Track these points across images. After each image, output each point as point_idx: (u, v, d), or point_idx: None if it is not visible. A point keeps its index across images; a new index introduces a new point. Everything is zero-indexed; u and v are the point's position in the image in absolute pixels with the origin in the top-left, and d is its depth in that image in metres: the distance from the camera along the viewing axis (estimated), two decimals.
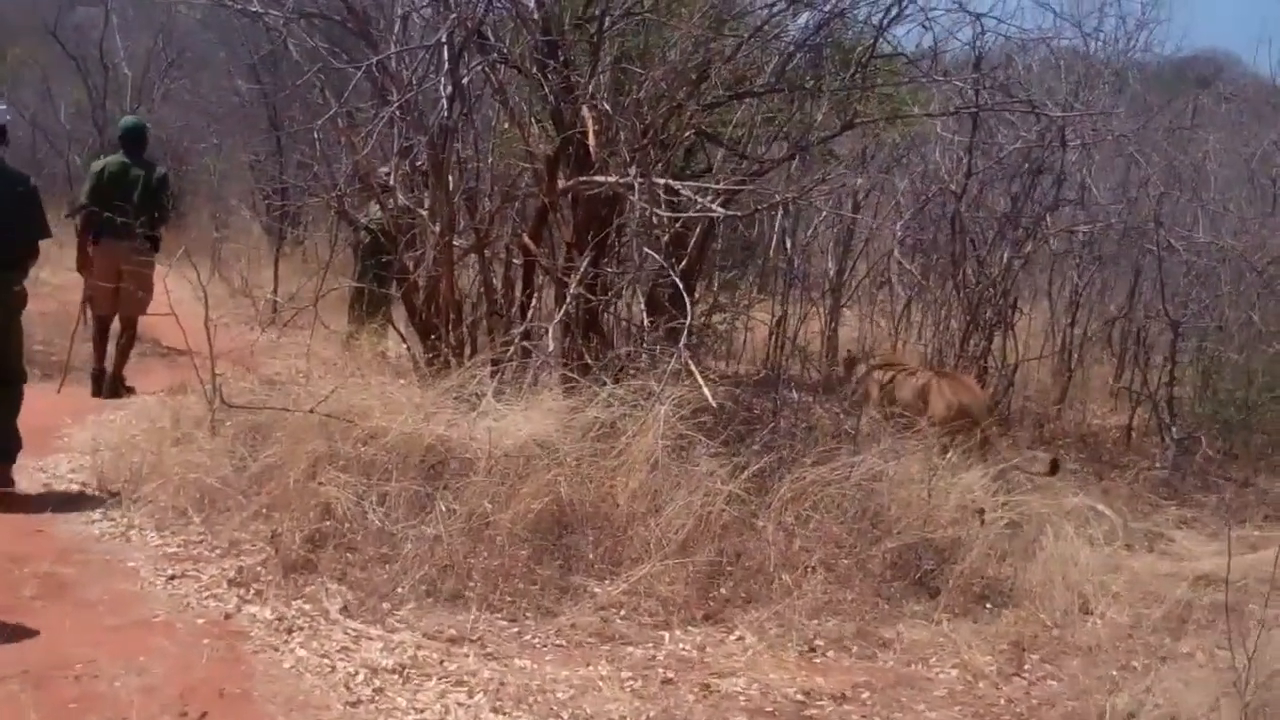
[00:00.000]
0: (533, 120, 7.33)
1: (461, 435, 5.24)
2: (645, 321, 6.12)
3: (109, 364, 8.14)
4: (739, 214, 6.97)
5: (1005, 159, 8.14)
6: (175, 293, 7.09)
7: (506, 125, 7.88)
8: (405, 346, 7.24)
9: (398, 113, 6.81)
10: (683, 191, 5.98)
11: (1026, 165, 8.21)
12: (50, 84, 11.47)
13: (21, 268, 5.55)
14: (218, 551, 4.78)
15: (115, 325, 8.24)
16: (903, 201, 9.22)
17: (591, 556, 4.89)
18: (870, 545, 5.08)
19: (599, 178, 6.34)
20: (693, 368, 5.39)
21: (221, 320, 10.36)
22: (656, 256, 6.06)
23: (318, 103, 12.24)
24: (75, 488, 5.55)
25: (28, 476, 5.71)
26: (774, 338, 9.93)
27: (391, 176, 7.19)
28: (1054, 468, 6.53)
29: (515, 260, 7.08)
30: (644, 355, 5.86)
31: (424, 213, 7.09)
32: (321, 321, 8.00)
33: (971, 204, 8.31)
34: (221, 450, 5.28)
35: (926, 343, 8.90)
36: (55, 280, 11.33)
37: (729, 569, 4.92)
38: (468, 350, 6.87)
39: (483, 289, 6.98)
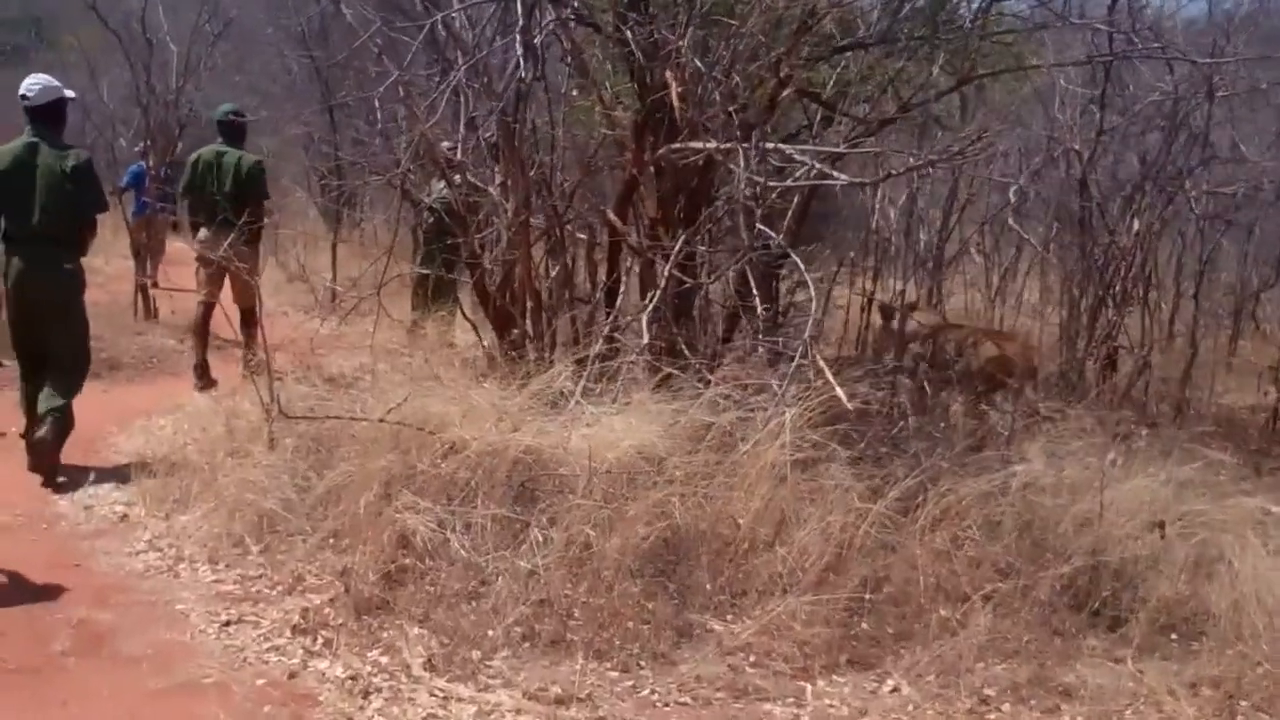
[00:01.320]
0: (607, 84, 6.59)
1: (554, 446, 4.53)
2: (758, 308, 5.35)
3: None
4: (866, 181, 6.16)
5: (1139, 114, 7.24)
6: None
7: (576, 91, 7.15)
8: (478, 339, 6.53)
9: (463, 79, 6.10)
10: (797, 157, 5.21)
11: (1163, 121, 7.31)
12: (92, 63, 10.88)
13: (74, 245, 5.41)
14: (279, 588, 4.12)
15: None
16: (1014, 162, 8.33)
17: (710, 587, 4.17)
18: (1037, 570, 4.31)
19: (696, 144, 5.58)
20: (821, 363, 4.63)
21: (279, 309, 9.80)
22: (770, 232, 5.28)
23: (372, 74, 11.63)
24: (119, 508, 4.93)
25: (66, 495, 5.12)
26: (865, 314, 9.12)
27: (458, 150, 6.47)
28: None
29: (598, 241, 6.35)
30: (754, 346, 5.09)
31: (494, 190, 6.39)
32: (385, 311, 7.35)
33: (1098, 165, 7.42)
34: (282, 467, 4.63)
35: (1047, 318, 8.05)
36: (108, 269, 10.81)
37: (872, 602, 4.18)
38: (547, 342, 6.18)
39: (562, 273, 6.26)
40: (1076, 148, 7.56)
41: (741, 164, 5.25)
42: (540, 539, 4.06)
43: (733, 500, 4.30)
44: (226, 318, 7.44)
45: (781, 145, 5.16)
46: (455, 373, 7.30)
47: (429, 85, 8.07)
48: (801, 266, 5.07)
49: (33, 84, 5.45)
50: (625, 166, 5.94)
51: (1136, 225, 7.56)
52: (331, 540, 4.21)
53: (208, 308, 7.68)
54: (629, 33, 5.75)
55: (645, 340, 5.39)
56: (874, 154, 6.33)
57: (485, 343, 6.45)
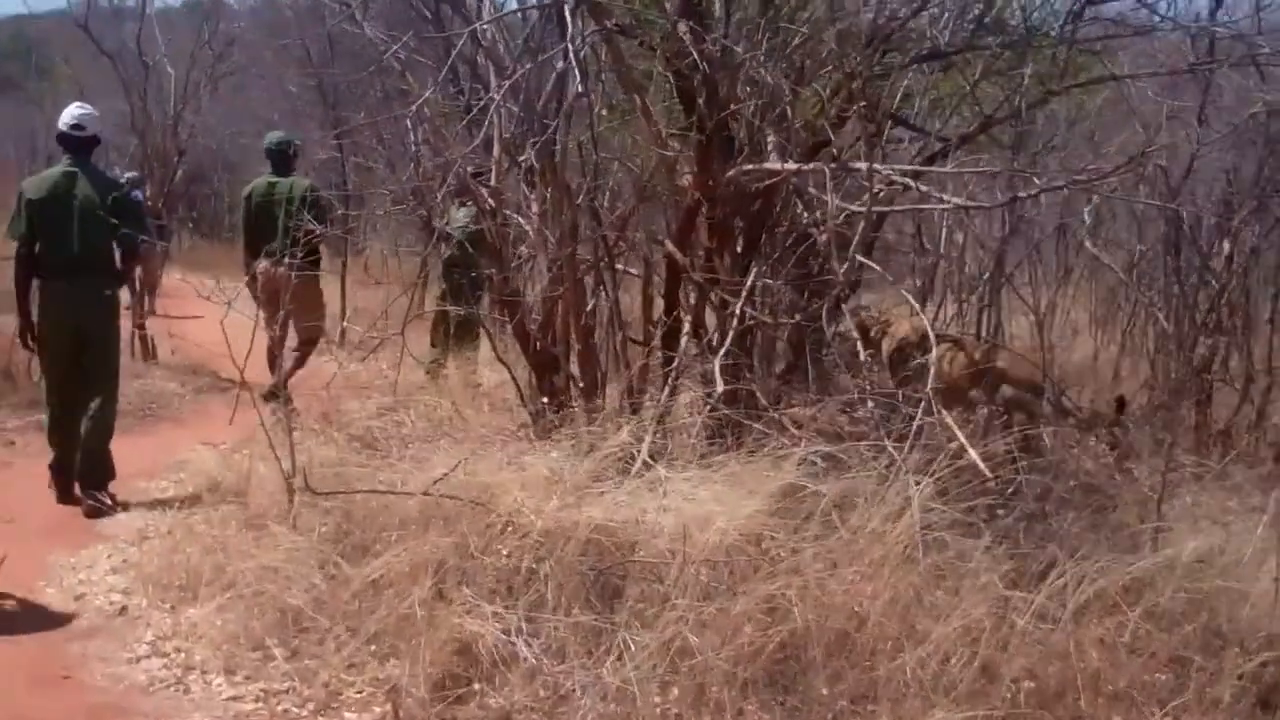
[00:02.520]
0: (652, 102, 5.91)
1: (632, 522, 3.82)
2: (860, 352, 4.67)
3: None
4: (988, 205, 5.48)
5: (1237, 127, 6.58)
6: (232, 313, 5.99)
7: (606, 110, 6.50)
8: (516, 389, 5.82)
9: (496, 96, 5.44)
10: (897, 179, 4.53)
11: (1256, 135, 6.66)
12: (85, 91, 10.20)
13: (112, 274, 5.45)
14: (310, 706, 3.40)
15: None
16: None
17: (826, 692, 3.45)
18: (1216, 664, 3.61)
19: (771, 164, 4.91)
20: (948, 419, 3.93)
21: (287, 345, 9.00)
22: (871, 265, 4.62)
23: (379, 95, 10.95)
24: (116, 598, 4.20)
25: (57, 580, 4.40)
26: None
27: (492, 175, 5.79)
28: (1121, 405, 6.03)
29: (654, 275, 5.64)
30: (860, 397, 4.40)
31: (533, 218, 5.72)
32: (411, 354, 6.67)
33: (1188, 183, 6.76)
34: (308, 550, 3.91)
35: (1131, 351, 7.37)
36: None
37: (1027, 708, 3.47)
38: (599, 391, 5.48)
39: (612, 312, 5.57)
40: (1162, 164, 6.88)
41: (829, 186, 4.56)
42: (628, 644, 3.35)
43: (853, 589, 3.59)
44: (232, 357, 6.74)
45: (880, 166, 4.46)
46: (487, 417, 6.64)
47: (453, 105, 7.46)
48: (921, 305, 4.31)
49: (84, 115, 5.45)
50: (684, 192, 5.24)
51: (1228, 248, 6.91)
52: (373, 646, 3.50)
53: (271, 345, 7.31)
54: (688, 44, 5.08)
55: (719, 389, 4.69)
56: (950, 174, 5.65)
57: (524, 392, 5.74)
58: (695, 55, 5.00)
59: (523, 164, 6.05)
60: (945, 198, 4.62)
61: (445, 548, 3.67)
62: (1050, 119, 7.86)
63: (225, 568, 4.05)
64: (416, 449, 5.24)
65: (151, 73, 9.06)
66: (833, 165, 4.67)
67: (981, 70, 6.08)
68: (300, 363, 7.62)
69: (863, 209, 4.73)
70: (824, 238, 6.34)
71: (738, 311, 4.97)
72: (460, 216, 7.71)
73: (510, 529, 3.73)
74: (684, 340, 5.14)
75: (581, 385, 5.44)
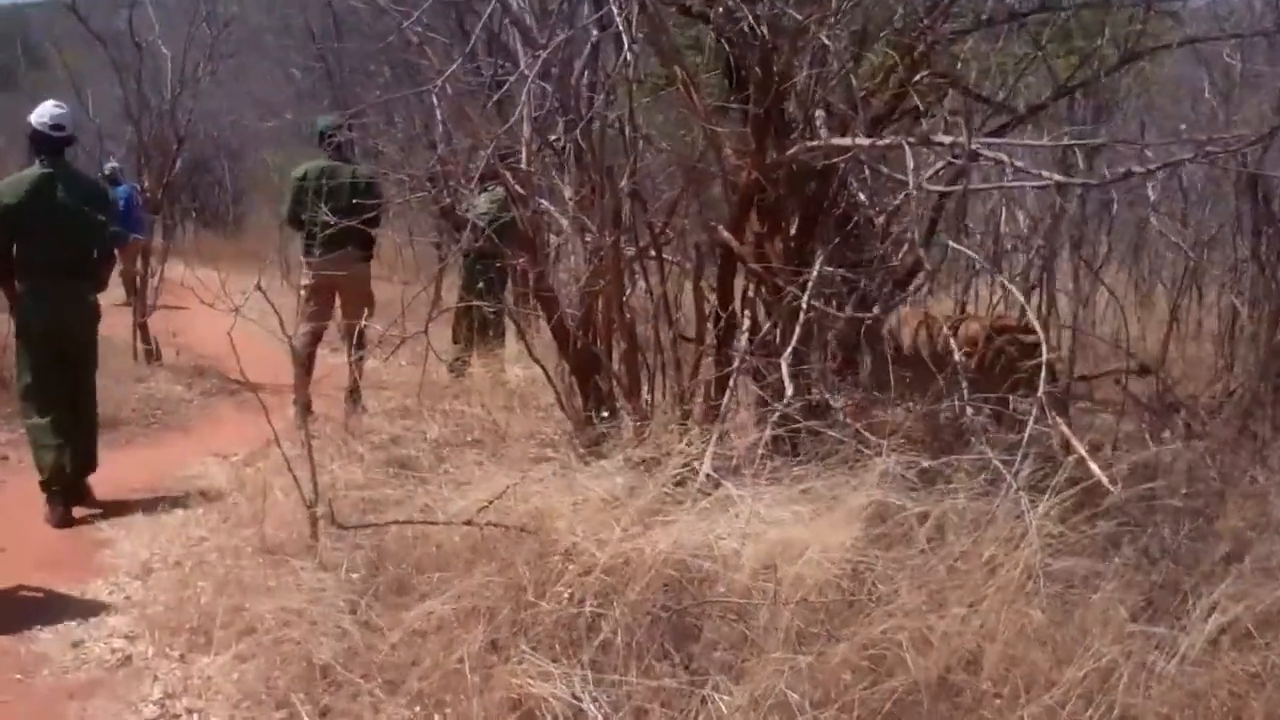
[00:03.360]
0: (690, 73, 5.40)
1: (705, 549, 3.34)
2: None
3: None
4: (1095, 183, 4.97)
5: None
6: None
7: (637, 80, 5.99)
8: (555, 393, 5.32)
9: (527, 72, 4.95)
10: (986, 154, 4.02)
11: None
12: (77, 79, 9.67)
13: (96, 279, 5.37)
14: None
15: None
16: (1152, 156, 7.12)
17: None
18: None
19: (841, 140, 4.41)
20: (1066, 431, 3.43)
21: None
22: (968, 250, 4.10)
23: (387, 78, 10.41)
24: (119, 645, 3.72)
25: (53, 622, 3.93)
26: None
27: (522, 157, 5.29)
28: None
29: (705, 265, 5.14)
30: (958, 403, 3.91)
31: (569, 205, 5.23)
32: (435, 354, 6.21)
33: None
34: (336, 590, 3.43)
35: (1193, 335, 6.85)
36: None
37: None
38: (646, 394, 5.00)
39: (661, 307, 5.07)
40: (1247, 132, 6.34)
41: (910, 163, 4.04)
42: (714, 702, 2.86)
43: (966, 630, 3.10)
44: (236, 358, 6.26)
45: (989, 139, 3.94)
46: (520, 421, 6.18)
47: (476, 82, 6.96)
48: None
49: (62, 115, 5.21)
50: (739, 172, 4.73)
51: None
52: (416, 707, 3.02)
53: (315, 335, 7.06)
54: (741, 7, 4.56)
55: (789, 394, 4.19)
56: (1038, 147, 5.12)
57: (563, 396, 5.25)
58: (751, 20, 4.50)
59: (555, 145, 5.59)
60: (1044, 174, 4.08)
61: (496, 589, 3.19)
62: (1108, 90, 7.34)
63: (242, 609, 3.57)
64: (452, 464, 4.77)
65: (146, 55, 8.49)
66: (911, 139, 4.16)
67: (1053, 34, 5.60)
68: (360, 366, 7.14)
69: (943, 188, 4.24)
70: (881, 219, 5.92)
71: (804, 304, 4.48)
72: (482, 203, 7.23)
73: (569, 564, 3.24)
74: (742, 338, 4.64)
75: (626, 388, 4.96)
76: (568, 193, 5.42)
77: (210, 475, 5.35)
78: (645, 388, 5.00)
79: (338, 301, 7.16)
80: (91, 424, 5.38)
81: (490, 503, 3.40)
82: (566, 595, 3.16)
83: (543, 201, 5.41)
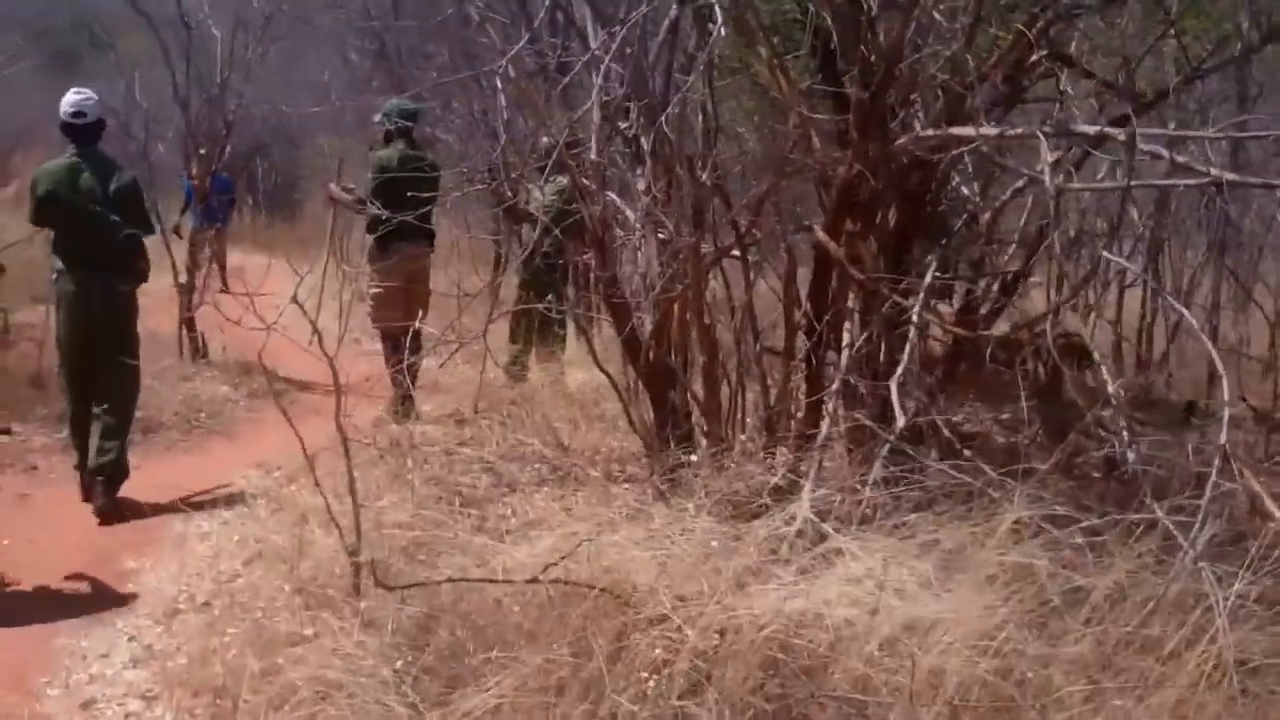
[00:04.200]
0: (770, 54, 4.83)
1: (815, 620, 2.80)
2: (1108, 382, 3.59)
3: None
4: (1276, 183, 4.35)
5: None
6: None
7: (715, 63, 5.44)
8: (625, 409, 4.80)
9: (599, 52, 4.44)
10: (1162, 152, 3.42)
11: None
12: (124, 66, 9.30)
13: (127, 270, 5.13)
14: None
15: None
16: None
17: None
18: None
19: (963, 129, 3.83)
20: (1255, 484, 2.84)
21: (350, 336, 8.12)
22: (1119, 260, 3.55)
23: (443, 62, 9.92)
24: (135, 707, 3.27)
25: (63, 675, 3.49)
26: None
27: (591, 147, 4.77)
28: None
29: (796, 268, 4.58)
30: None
31: (642, 197, 4.70)
32: (493, 359, 5.75)
33: None
34: (380, 659, 2.94)
35: None
36: (144, 299, 9.26)
37: None
38: (727, 413, 4.47)
39: (745, 316, 4.52)
40: None
41: (1047, 157, 3.46)
42: None
43: None
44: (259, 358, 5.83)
45: (1144, 130, 3.33)
46: (584, 435, 5.70)
47: (540, 65, 6.48)
48: None
49: (85, 101, 5.05)
50: (839, 165, 4.16)
51: None
52: None
53: (397, 339, 6.37)
54: None
55: (900, 422, 3.63)
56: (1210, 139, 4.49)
57: (634, 413, 4.73)
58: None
59: (626, 133, 5.06)
60: (1210, 170, 3.48)
61: (568, 665, 2.68)
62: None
63: (273, 671, 3.09)
64: (513, 496, 4.28)
65: (195, 36, 8.07)
66: (1047, 128, 3.57)
67: (1183, 8, 4.96)
68: (415, 368, 6.66)
69: (1093, 186, 3.66)
70: (986, 217, 5.32)
71: (915, 317, 3.92)
72: (544, 195, 6.73)
73: (654, 644, 2.72)
74: (845, 354, 4.08)
75: (706, 407, 4.43)
76: (640, 186, 4.90)
77: (250, 493, 4.89)
78: (728, 408, 4.48)
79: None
80: (116, 429, 5.08)
81: (559, 560, 2.89)
82: (651, 678, 2.64)
83: (612, 196, 4.90)
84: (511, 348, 7.14)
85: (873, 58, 3.98)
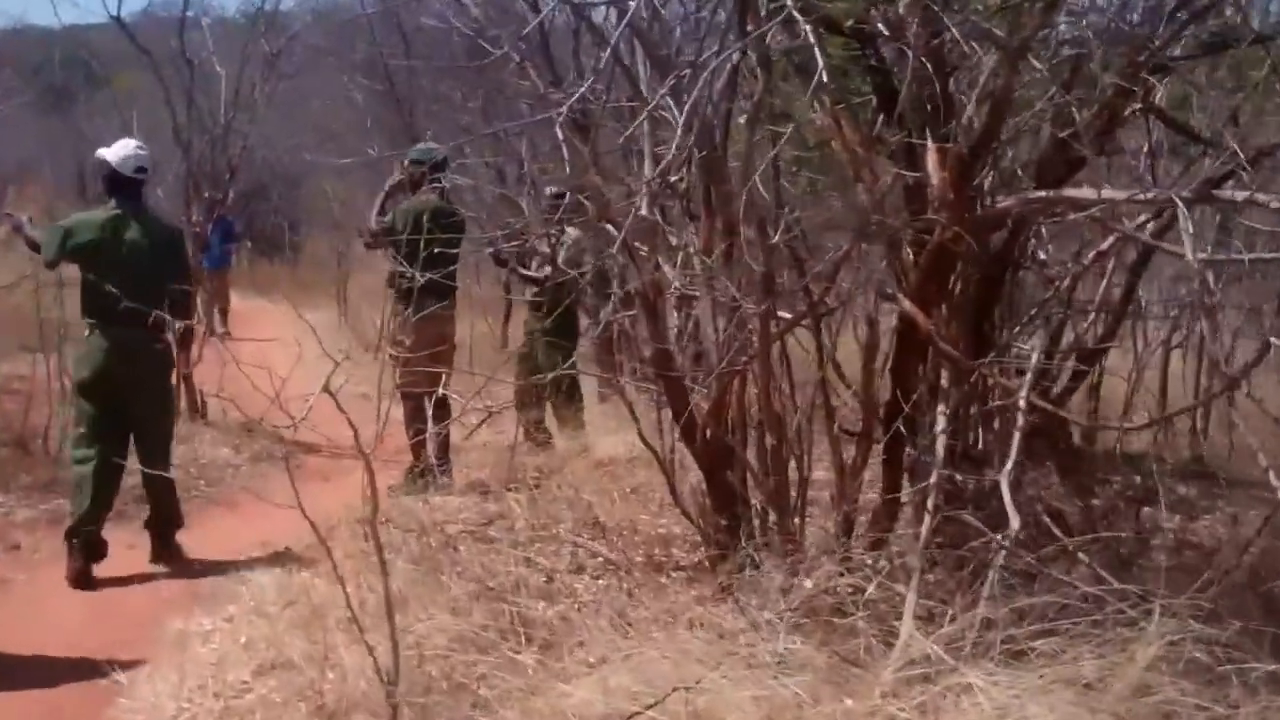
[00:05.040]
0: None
1: None
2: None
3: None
4: None
5: None
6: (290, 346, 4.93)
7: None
8: (674, 498, 4.32)
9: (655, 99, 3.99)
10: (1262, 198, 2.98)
11: None
12: (123, 107, 8.89)
13: (164, 325, 4.78)
14: None
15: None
16: None
17: None
18: None
19: (1081, 191, 3.39)
20: None
21: (357, 390, 7.69)
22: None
23: (464, 103, 9.53)
24: None
25: None
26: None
27: (642, 202, 4.32)
28: None
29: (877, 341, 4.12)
30: None
31: (697, 258, 4.25)
32: (527, 429, 5.29)
33: None
34: None
35: None
36: None
37: None
38: (795, 502, 3.98)
39: (821, 393, 4.04)
40: None
41: (1187, 225, 3.01)
42: None
43: None
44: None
45: None
46: (622, 508, 5.26)
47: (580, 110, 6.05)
48: None
49: (144, 157, 5.02)
50: (932, 226, 3.71)
51: None
52: None
53: (420, 405, 5.83)
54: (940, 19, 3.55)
55: (1014, 524, 3.16)
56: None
57: (686, 502, 4.25)
58: (955, 34, 3.48)
59: (677, 185, 4.64)
60: None
61: None
62: None
63: None
64: (552, 586, 3.81)
65: (198, 74, 7.63)
66: (1186, 194, 3.13)
67: None
68: (446, 441, 6.22)
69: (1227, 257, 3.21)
70: (1066, 284, 4.89)
71: (1023, 402, 3.45)
72: (567, 239, 6.33)
73: None
74: (939, 440, 3.59)
75: (772, 496, 3.94)
76: (690, 244, 4.46)
77: (257, 585, 4.39)
78: (795, 494, 4.00)
79: None
80: (166, 484, 5.03)
81: (646, 711, 2.39)
82: None
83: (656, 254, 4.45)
84: (520, 414, 6.58)
85: (973, 107, 3.54)
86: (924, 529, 3.33)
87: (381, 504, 4.75)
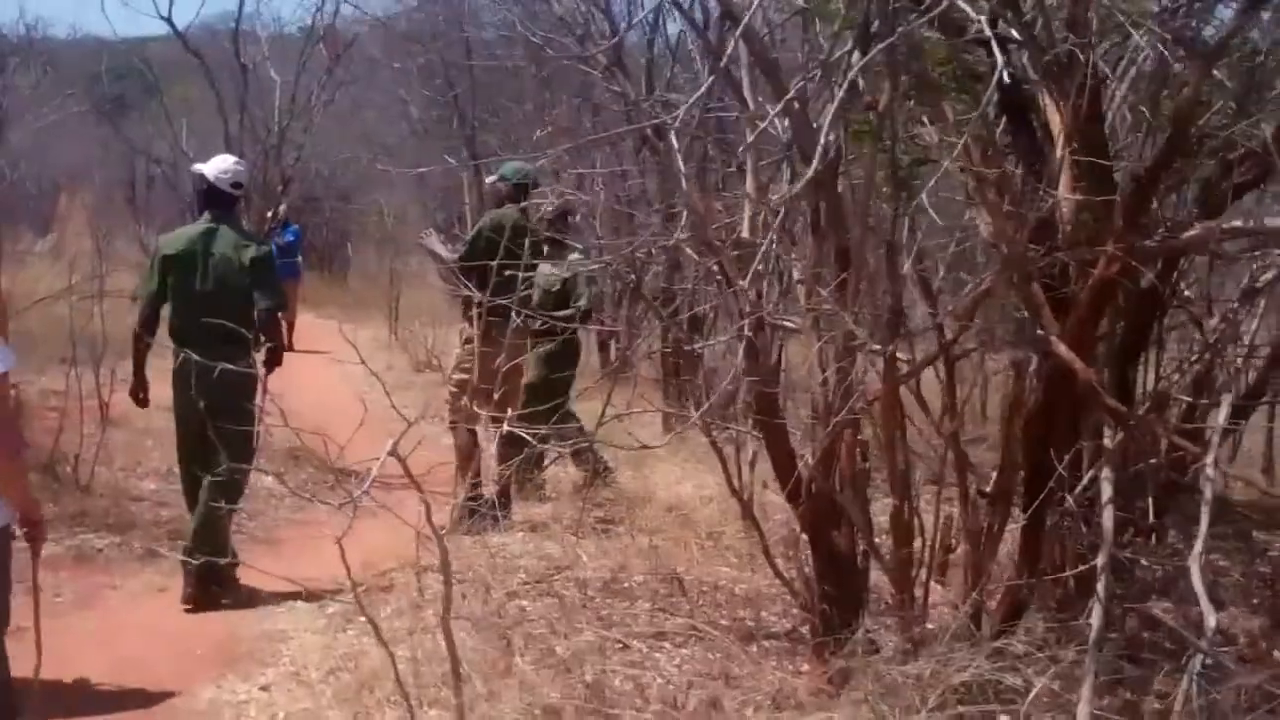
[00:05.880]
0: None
1: None
2: None
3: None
4: None
5: None
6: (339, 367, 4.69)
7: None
8: (769, 561, 3.78)
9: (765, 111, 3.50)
10: None
11: None
12: (169, 103, 8.55)
13: (247, 341, 4.73)
14: None
15: None
16: None
17: None
18: None
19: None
20: None
21: (402, 406, 7.16)
22: None
23: (520, 115, 9.10)
24: None
25: None
26: None
27: (745, 224, 3.83)
28: None
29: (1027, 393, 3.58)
30: None
31: (805, 290, 3.74)
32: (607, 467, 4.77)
33: None
34: None
35: None
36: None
37: None
38: (923, 577, 3.44)
39: (954, 445, 3.50)
40: None
41: None
42: None
43: None
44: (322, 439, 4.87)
45: None
46: (692, 556, 4.79)
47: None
48: None
49: (241, 172, 5.01)
50: (1093, 260, 3.16)
51: None
52: None
53: (474, 432, 5.60)
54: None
55: (1211, 622, 2.60)
56: None
57: (782, 573, 3.72)
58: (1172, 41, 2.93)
59: (780, 209, 4.12)
60: None
61: None
62: None
63: None
64: (645, 671, 3.30)
65: (251, 80, 7.24)
66: None
67: None
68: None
69: None
70: (1215, 323, 4.33)
71: (1210, 472, 2.89)
72: (546, 271, 5.86)
73: None
74: (1106, 511, 3.03)
75: (894, 566, 3.40)
76: (796, 272, 3.96)
77: (301, 645, 3.92)
78: (920, 564, 3.46)
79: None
80: (218, 506, 4.60)
81: None
82: None
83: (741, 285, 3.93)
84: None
85: (1151, 124, 3.00)
86: (1095, 618, 2.77)
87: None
